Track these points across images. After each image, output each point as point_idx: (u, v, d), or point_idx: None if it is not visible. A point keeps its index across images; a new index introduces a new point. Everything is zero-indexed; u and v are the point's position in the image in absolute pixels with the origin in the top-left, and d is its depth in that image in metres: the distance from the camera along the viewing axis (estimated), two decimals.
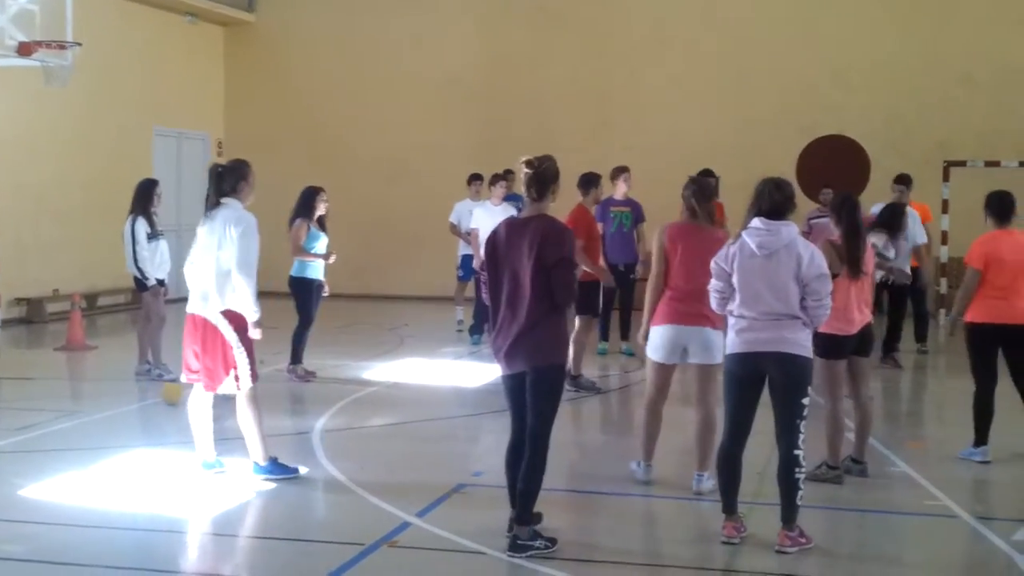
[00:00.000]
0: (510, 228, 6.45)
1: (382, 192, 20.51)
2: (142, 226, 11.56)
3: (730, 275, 6.50)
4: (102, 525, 6.86)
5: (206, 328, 7.72)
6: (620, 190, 13.44)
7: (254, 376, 7.78)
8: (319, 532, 6.95)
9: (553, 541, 6.43)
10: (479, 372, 12.42)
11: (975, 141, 17.78)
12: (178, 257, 17.63)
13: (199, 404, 7.93)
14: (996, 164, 17.20)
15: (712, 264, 6.66)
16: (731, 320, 6.56)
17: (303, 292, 11.75)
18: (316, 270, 11.76)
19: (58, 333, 14.90)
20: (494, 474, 8.25)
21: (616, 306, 13.55)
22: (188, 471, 8.09)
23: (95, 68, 16.71)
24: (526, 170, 6.46)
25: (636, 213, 13.63)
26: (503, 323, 6.39)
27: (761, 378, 6.45)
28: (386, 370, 12.48)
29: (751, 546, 6.49)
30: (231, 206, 7.80)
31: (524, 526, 6.38)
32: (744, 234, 6.49)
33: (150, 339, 11.79)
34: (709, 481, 7.42)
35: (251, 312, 7.70)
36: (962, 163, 17.09)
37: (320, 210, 11.79)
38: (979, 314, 8.49)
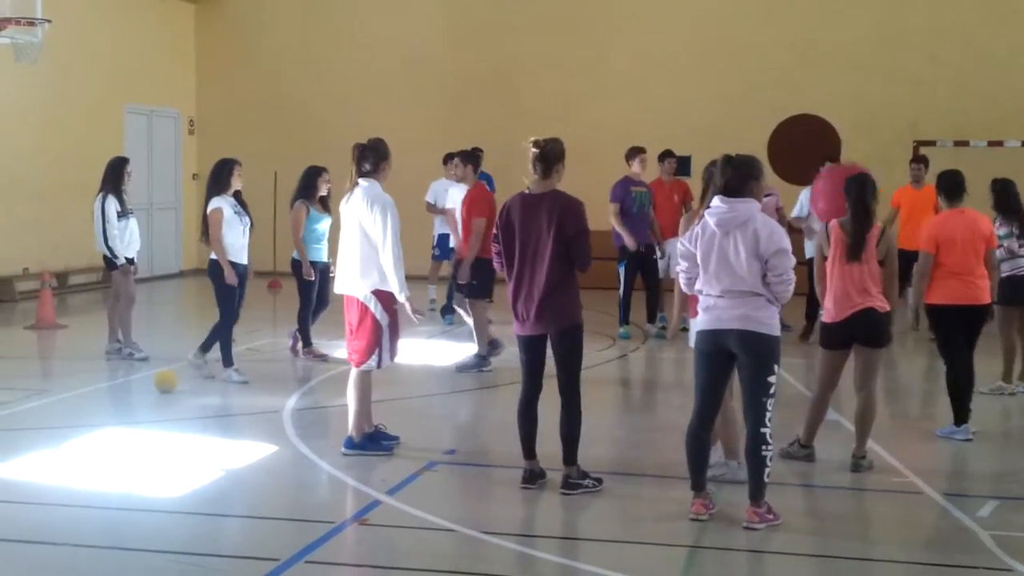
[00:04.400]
0: (524, 203, 6.98)
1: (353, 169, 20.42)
2: (112, 204, 11.48)
3: (695, 255, 6.54)
4: (74, 504, 6.84)
5: (358, 307, 7.88)
6: (636, 170, 13.38)
7: (390, 358, 7.96)
8: (290, 510, 6.95)
9: (600, 480, 7.11)
10: (452, 351, 12.44)
11: (943, 121, 17.89)
12: (148, 236, 17.65)
13: (351, 380, 8.03)
14: (965, 144, 17.34)
15: (679, 245, 6.72)
16: (700, 299, 6.60)
17: (304, 275, 11.53)
18: (320, 252, 11.54)
19: (28, 312, 14.81)
20: (466, 453, 8.33)
21: (639, 287, 13.53)
22: (159, 449, 8.10)
23: (65, 45, 16.56)
24: (533, 149, 6.96)
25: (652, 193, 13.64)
26: (522, 290, 6.97)
27: (728, 356, 6.49)
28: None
29: (720, 523, 6.54)
30: (371, 186, 7.94)
31: (573, 466, 7.06)
32: (705, 213, 6.54)
33: (120, 318, 11.72)
34: (740, 471, 7.17)
35: (399, 292, 7.88)
36: (932, 143, 17.19)
37: (322, 191, 11.55)
38: (939, 296, 8.54)
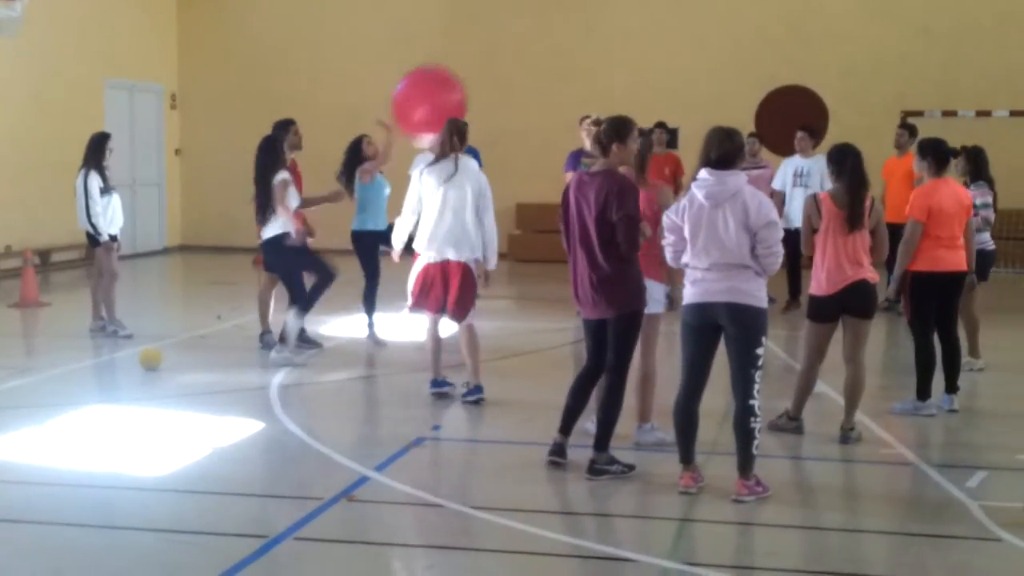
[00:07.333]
0: (580, 183, 6.84)
1: (338, 146, 20.22)
2: (95, 180, 11.38)
3: (682, 228, 6.50)
4: (60, 483, 6.79)
5: (464, 271, 8.55)
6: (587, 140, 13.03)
7: None
8: (278, 487, 6.92)
9: (631, 467, 6.88)
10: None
11: (933, 92, 17.83)
12: (131, 212, 17.50)
13: (439, 331, 8.96)
14: (953, 114, 17.31)
15: (664, 218, 6.69)
16: (687, 272, 6.57)
17: (368, 246, 11.41)
18: (380, 221, 11.43)
19: (11, 290, 14.71)
20: (453, 428, 8.30)
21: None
22: (145, 427, 8.06)
23: (45, 19, 16.40)
24: (592, 128, 7.07)
25: None
26: (577, 272, 6.86)
27: (715, 328, 6.47)
28: (345, 325, 12.42)
29: (709, 495, 6.54)
30: (467, 161, 8.62)
31: (603, 452, 6.86)
32: (693, 186, 6.49)
33: (103, 295, 11.64)
34: (653, 433, 7.54)
35: (494, 259, 8.72)
36: (920, 113, 17.15)
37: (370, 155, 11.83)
38: (925, 263, 8.37)
